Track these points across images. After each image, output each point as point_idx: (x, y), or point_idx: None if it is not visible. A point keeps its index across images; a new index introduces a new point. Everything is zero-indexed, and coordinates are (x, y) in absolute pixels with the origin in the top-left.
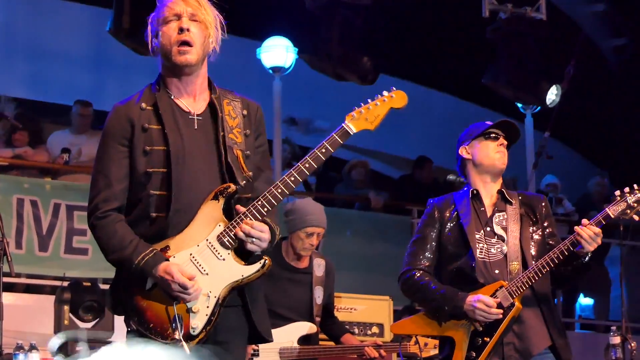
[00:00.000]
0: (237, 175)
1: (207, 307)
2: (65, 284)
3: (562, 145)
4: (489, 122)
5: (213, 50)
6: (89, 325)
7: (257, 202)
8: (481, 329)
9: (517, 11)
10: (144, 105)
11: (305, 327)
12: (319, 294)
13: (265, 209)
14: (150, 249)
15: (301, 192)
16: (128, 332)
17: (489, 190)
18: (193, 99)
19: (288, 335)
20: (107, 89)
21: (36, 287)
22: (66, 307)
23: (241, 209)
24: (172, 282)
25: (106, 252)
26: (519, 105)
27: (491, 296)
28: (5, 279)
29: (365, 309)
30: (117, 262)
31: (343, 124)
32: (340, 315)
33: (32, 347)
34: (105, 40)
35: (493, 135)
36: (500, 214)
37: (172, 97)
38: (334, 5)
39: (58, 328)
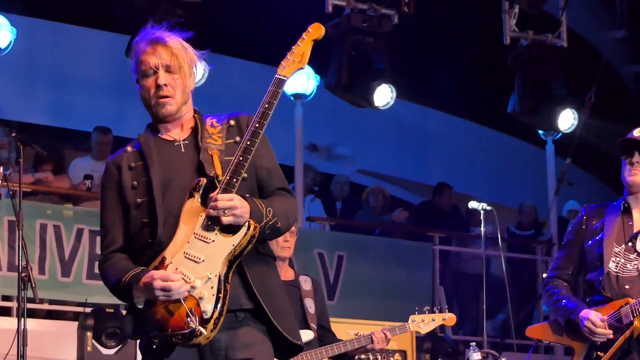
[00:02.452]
0: (207, 169)
1: (212, 287)
2: (88, 310)
3: (583, 171)
4: (633, 134)
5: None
6: (112, 351)
7: (225, 177)
8: (599, 342)
9: (537, 38)
10: (129, 149)
11: (303, 335)
12: (310, 305)
13: (235, 180)
14: (139, 267)
15: (321, 218)
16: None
17: (638, 205)
18: (180, 130)
19: None
20: (129, 116)
21: (58, 313)
22: (89, 334)
23: (212, 194)
24: (153, 286)
25: (108, 286)
26: (540, 132)
27: (615, 312)
28: (29, 305)
29: None
30: (115, 290)
31: (275, 76)
32: None
33: None
34: (126, 66)
35: (626, 151)
36: None
37: (160, 135)
38: (354, 32)
39: (81, 354)
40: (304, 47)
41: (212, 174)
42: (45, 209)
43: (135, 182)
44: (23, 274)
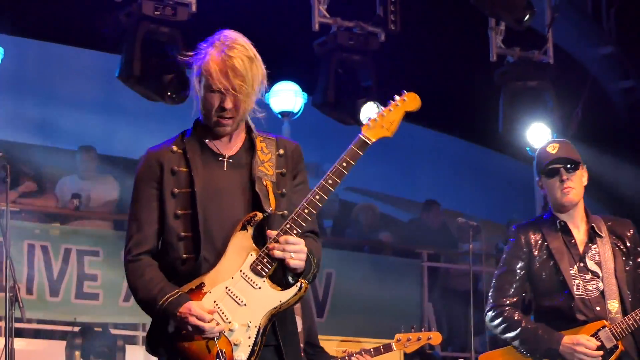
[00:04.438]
0: (264, 203)
1: (249, 337)
2: (76, 329)
3: None
4: (550, 153)
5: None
6: None
7: (285, 225)
8: None
9: (524, 54)
10: (174, 148)
11: None
12: (297, 322)
13: (295, 231)
14: (176, 290)
15: None
16: None
17: (575, 223)
18: (228, 141)
19: None
20: (117, 135)
21: (47, 332)
22: (77, 353)
23: (272, 233)
24: (188, 321)
25: (134, 293)
26: (527, 148)
27: (592, 336)
28: (17, 325)
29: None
30: (143, 303)
31: (360, 135)
32: None
33: None
34: (114, 86)
35: (552, 171)
36: (593, 246)
37: (206, 141)
38: (341, 50)
39: None
40: (395, 115)
41: (269, 211)
42: (32, 229)
43: (176, 190)
44: (10, 294)
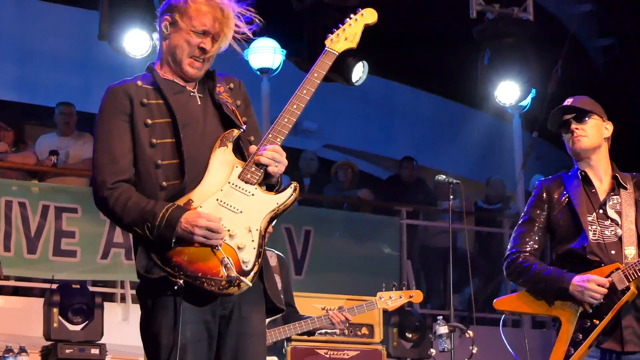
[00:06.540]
0: (236, 122)
1: (252, 240)
2: (54, 286)
3: (551, 145)
4: (560, 107)
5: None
6: (79, 327)
7: (268, 135)
8: (590, 310)
9: (504, 11)
10: (139, 83)
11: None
12: (277, 280)
13: (278, 140)
14: (171, 203)
15: None
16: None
17: (597, 174)
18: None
19: None
20: (94, 91)
21: (25, 290)
22: (55, 310)
23: (254, 147)
24: (198, 223)
25: (124, 217)
26: (507, 105)
27: (605, 277)
28: None
29: None
30: (139, 224)
31: (326, 48)
32: None
33: (22, 350)
34: (92, 42)
35: (563, 126)
36: (615, 197)
37: (167, 78)
38: (320, 6)
39: (47, 331)
40: (355, 28)
41: (243, 127)
42: (10, 186)
43: (149, 121)
44: None
